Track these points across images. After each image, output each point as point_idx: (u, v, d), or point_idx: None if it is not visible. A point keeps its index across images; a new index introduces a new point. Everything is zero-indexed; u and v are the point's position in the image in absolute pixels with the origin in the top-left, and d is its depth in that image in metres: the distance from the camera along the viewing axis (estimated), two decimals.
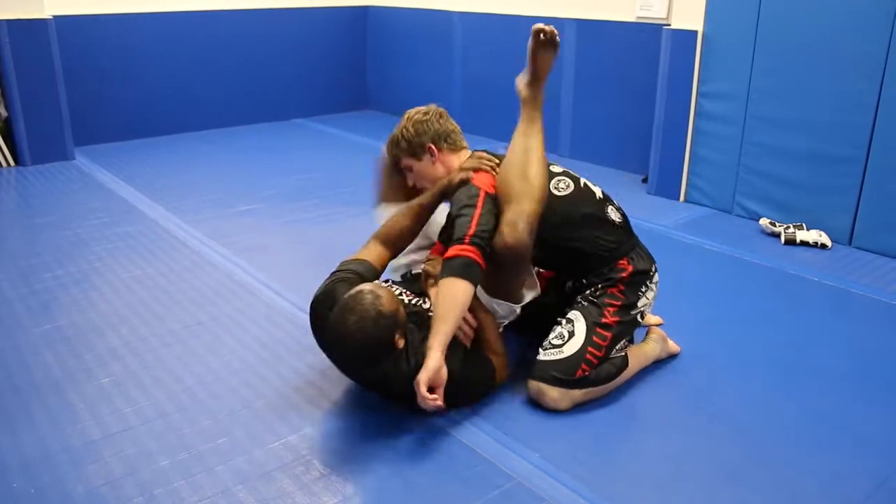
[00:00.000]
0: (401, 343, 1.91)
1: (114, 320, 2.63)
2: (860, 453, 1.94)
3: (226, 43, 5.63)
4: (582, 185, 2.27)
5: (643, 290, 2.21)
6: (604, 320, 2.12)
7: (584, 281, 2.21)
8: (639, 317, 2.22)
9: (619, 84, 4.57)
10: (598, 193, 2.28)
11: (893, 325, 2.66)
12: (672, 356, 2.41)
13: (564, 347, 2.09)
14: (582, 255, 2.18)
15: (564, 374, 2.06)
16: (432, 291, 2.14)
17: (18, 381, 2.23)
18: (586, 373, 2.08)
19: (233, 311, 2.70)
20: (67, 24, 4.79)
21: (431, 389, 1.88)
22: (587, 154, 4.85)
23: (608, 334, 2.12)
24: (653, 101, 4.09)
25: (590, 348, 2.09)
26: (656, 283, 2.28)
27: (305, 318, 2.63)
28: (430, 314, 2.03)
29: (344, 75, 6.39)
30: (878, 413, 2.12)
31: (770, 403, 2.16)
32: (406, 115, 2.33)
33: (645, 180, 4.31)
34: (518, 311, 2.20)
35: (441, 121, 2.31)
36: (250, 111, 5.89)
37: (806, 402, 2.17)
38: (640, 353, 2.28)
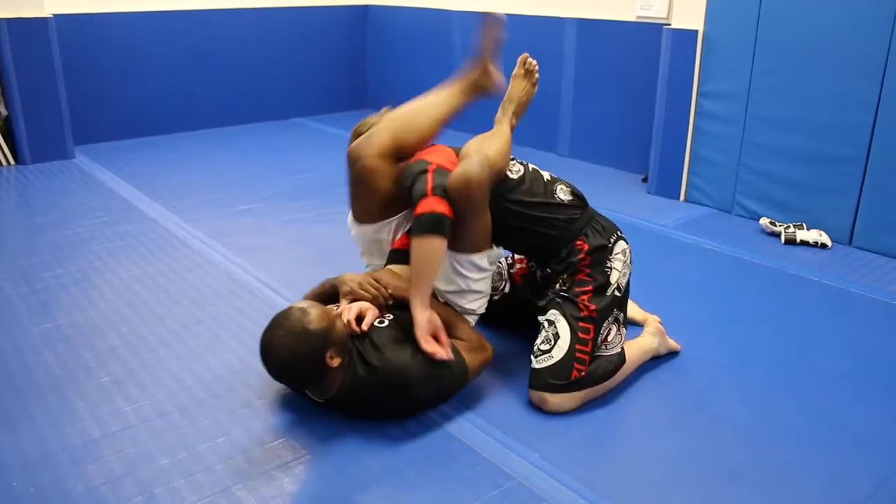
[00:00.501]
0: (335, 362, 1.86)
1: (114, 319, 2.63)
2: (860, 453, 1.94)
3: (226, 42, 5.63)
4: (530, 168, 2.27)
5: (608, 265, 2.18)
6: (582, 313, 2.11)
7: (549, 270, 2.22)
8: (616, 292, 2.17)
9: (619, 84, 4.57)
10: (546, 176, 2.28)
11: (893, 325, 2.66)
12: (673, 353, 2.41)
13: (553, 351, 2.08)
14: (539, 237, 2.18)
15: (560, 378, 2.05)
16: (344, 306, 2.04)
17: (18, 380, 2.23)
18: (581, 372, 2.07)
19: (232, 310, 2.70)
20: (67, 23, 4.79)
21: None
22: (587, 154, 4.85)
23: (590, 326, 2.11)
24: (653, 101, 4.09)
25: (577, 346, 2.07)
26: (623, 253, 2.23)
27: None
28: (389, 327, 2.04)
29: (344, 74, 6.39)
30: (878, 413, 2.12)
31: (770, 403, 2.16)
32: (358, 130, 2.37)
33: (645, 180, 4.31)
34: (488, 279, 2.19)
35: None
36: (250, 110, 5.89)
37: (806, 401, 2.17)
38: (637, 349, 2.28)
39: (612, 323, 2.17)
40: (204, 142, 5.33)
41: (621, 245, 2.24)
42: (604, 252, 2.18)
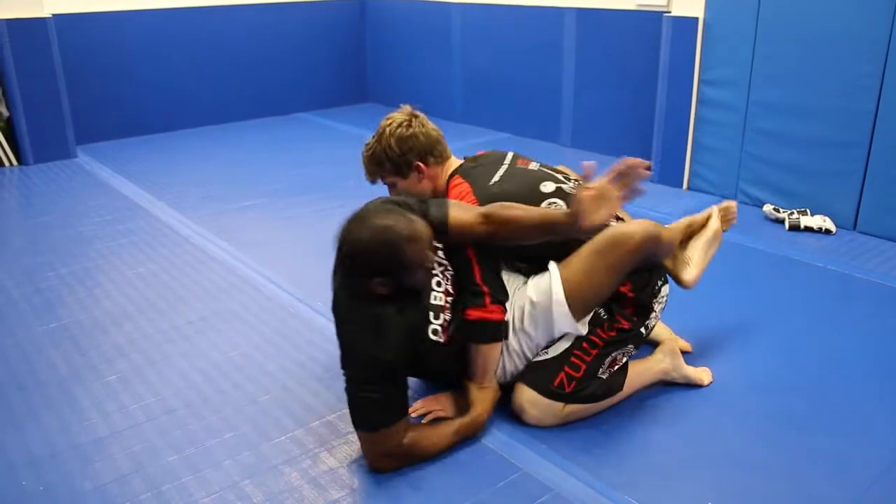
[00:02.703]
0: (380, 289, 1.75)
1: (118, 317, 2.63)
2: (865, 438, 1.93)
3: (226, 39, 5.62)
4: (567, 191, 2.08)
5: (652, 313, 2.04)
6: (600, 332, 1.97)
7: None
8: (643, 330, 2.04)
9: (620, 73, 4.55)
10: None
11: None
12: (691, 384, 2.17)
13: (550, 349, 1.96)
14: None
15: (543, 378, 1.93)
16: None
17: (25, 379, 2.24)
18: (570, 384, 1.92)
19: (236, 306, 2.70)
20: (67, 23, 4.78)
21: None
22: (589, 143, 4.83)
23: (599, 342, 1.96)
24: (654, 89, 4.07)
25: (575, 351, 1.94)
26: (665, 298, 2.09)
27: (309, 313, 2.64)
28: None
29: (344, 69, 6.38)
30: (883, 398, 2.11)
31: (775, 389, 2.16)
32: (385, 129, 2.13)
33: (648, 168, 4.29)
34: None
35: (425, 132, 2.14)
36: (251, 106, 5.89)
37: (811, 387, 2.17)
38: (640, 369, 2.10)
39: (624, 355, 2.02)
40: (205, 138, 5.33)
41: (666, 289, 2.10)
42: (648, 296, 2.03)
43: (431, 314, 1.89)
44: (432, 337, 1.88)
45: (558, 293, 1.91)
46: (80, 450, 1.90)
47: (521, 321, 1.97)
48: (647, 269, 2.03)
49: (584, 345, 1.95)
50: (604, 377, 1.98)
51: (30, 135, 4.53)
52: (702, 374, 2.19)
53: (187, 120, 5.58)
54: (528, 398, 1.95)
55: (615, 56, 4.55)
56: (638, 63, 4.39)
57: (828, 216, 3.43)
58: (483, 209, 1.90)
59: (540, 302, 1.94)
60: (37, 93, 4.48)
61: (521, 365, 2.00)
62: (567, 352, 1.94)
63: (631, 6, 4.37)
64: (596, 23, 4.60)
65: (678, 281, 2.21)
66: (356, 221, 1.79)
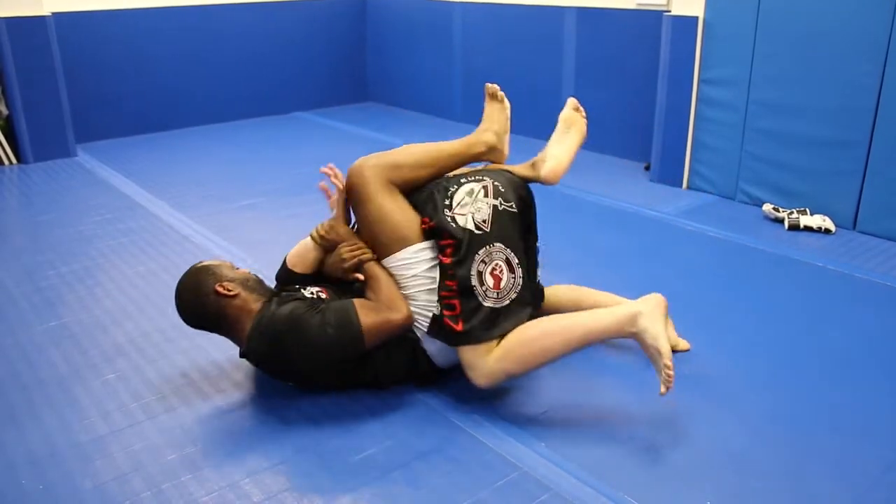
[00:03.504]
0: (228, 288, 2.03)
1: (118, 316, 2.63)
2: (866, 438, 1.93)
3: (225, 37, 5.62)
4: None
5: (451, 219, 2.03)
6: (442, 262, 2.00)
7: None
8: (475, 228, 1.99)
9: (619, 72, 4.55)
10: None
11: None
12: (677, 350, 2.25)
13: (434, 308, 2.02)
14: None
15: (442, 333, 1.99)
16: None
17: (25, 378, 2.24)
18: (457, 324, 1.95)
19: None
20: (66, 21, 4.78)
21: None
22: (588, 142, 4.72)
23: (450, 271, 1.97)
24: (654, 89, 4.07)
25: (442, 293, 1.98)
26: (470, 193, 2.05)
27: None
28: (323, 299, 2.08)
29: (343, 68, 6.38)
30: (883, 397, 2.11)
31: (775, 389, 2.16)
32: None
33: (647, 168, 4.29)
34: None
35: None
36: (250, 105, 5.89)
37: (811, 387, 2.17)
38: (600, 314, 1.99)
39: (488, 263, 1.98)
40: (205, 137, 5.33)
41: (463, 191, 2.06)
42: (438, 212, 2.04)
43: (305, 292, 2.10)
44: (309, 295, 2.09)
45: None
46: (80, 448, 1.91)
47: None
48: (429, 192, 2.10)
49: (447, 282, 1.98)
50: (493, 304, 1.97)
51: (30, 133, 4.53)
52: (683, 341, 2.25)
53: (187, 119, 5.58)
54: (463, 365, 2.01)
55: (615, 55, 4.55)
56: (638, 62, 4.39)
57: (827, 216, 3.43)
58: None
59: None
60: (36, 91, 4.48)
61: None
62: (439, 300, 2.00)
63: (631, 5, 4.37)
64: (596, 22, 4.60)
65: (539, 180, 2.21)
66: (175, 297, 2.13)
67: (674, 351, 2.27)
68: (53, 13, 4.53)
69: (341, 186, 2.19)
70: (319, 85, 6.25)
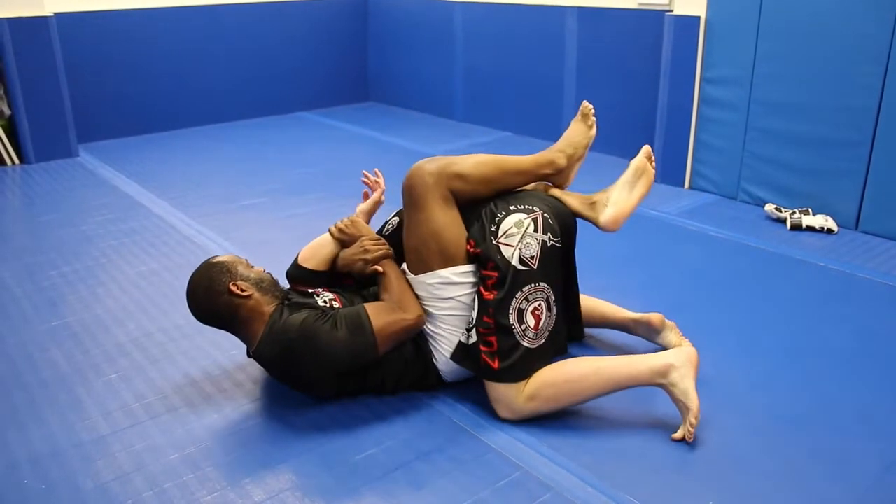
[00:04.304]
0: (241, 289, 2.00)
1: (120, 316, 2.64)
2: (867, 437, 1.93)
3: (226, 37, 5.62)
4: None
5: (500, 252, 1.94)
6: (484, 297, 1.94)
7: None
8: (519, 264, 1.92)
9: (621, 71, 4.55)
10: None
11: None
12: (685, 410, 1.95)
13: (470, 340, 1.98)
14: None
15: (476, 367, 1.96)
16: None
17: (27, 377, 2.24)
18: (493, 361, 1.91)
19: None
20: (68, 21, 4.79)
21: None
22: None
23: (490, 308, 1.91)
24: (656, 88, 4.07)
25: (480, 329, 1.93)
26: (518, 225, 1.95)
27: None
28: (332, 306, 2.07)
29: (345, 67, 6.38)
30: (884, 396, 2.11)
31: (777, 389, 2.16)
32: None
33: None
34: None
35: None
36: (252, 105, 5.89)
37: (812, 386, 2.17)
38: (632, 359, 1.99)
39: (530, 302, 1.92)
40: (207, 137, 5.33)
41: (511, 220, 1.97)
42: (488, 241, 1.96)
43: (318, 300, 2.08)
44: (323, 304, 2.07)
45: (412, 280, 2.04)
46: (82, 448, 1.91)
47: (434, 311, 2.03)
48: (477, 213, 2.02)
49: (485, 318, 1.93)
50: (529, 345, 1.93)
51: (32, 133, 4.54)
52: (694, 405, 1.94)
53: (189, 118, 5.59)
54: (491, 397, 1.99)
55: (617, 55, 4.55)
56: (640, 62, 4.39)
57: (830, 215, 3.42)
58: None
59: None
60: (39, 91, 4.48)
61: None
62: (477, 335, 1.95)
63: (633, 5, 4.36)
64: (597, 21, 4.60)
65: (596, 223, 2.17)
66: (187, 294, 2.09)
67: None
68: (55, 13, 4.54)
69: (381, 193, 2.25)
70: (321, 85, 6.26)
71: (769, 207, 3.56)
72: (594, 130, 2.28)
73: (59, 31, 4.53)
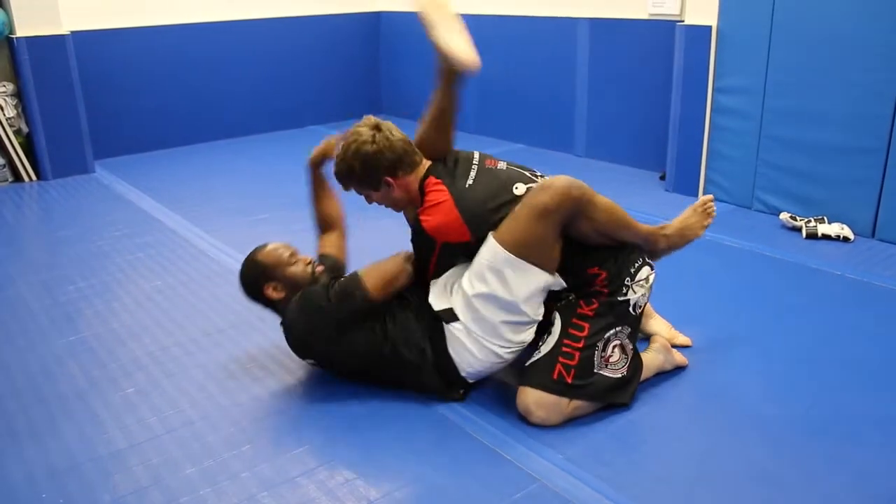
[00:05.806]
0: (276, 294, 2.19)
1: (136, 330, 2.65)
2: (887, 448, 1.91)
3: (239, 53, 5.67)
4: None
5: (625, 292, 2.05)
6: (578, 311, 2.03)
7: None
8: (628, 307, 2.05)
9: (633, 82, 4.55)
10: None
11: None
12: (679, 368, 2.29)
13: (542, 346, 2.04)
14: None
15: (542, 371, 1.99)
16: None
17: (45, 392, 2.26)
18: (568, 374, 1.98)
19: (253, 318, 2.71)
20: (84, 40, 4.84)
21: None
22: (603, 153, 4.83)
23: (584, 324, 2.01)
24: (668, 98, 4.07)
25: (565, 340, 2.00)
26: (647, 280, 2.11)
27: None
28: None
29: (358, 82, 6.42)
30: None
31: (795, 399, 2.14)
32: (349, 148, 2.11)
33: (663, 177, 4.28)
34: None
35: (390, 145, 2.09)
36: (266, 120, 5.93)
37: (831, 397, 2.14)
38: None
39: (616, 338, 2.04)
40: (221, 152, 5.37)
41: (646, 272, 2.12)
42: (621, 279, 2.06)
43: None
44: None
45: (492, 245, 1.98)
46: (100, 462, 1.92)
47: (468, 308, 2.02)
48: (615, 250, 2.07)
49: (571, 331, 2.01)
50: (608, 374, 2.03)
51: (48, 150, 4.59)
52: (683, 359, 2.30)
53: (203, 134, 5.63)
54: (534, 399, 1.99)
55: (629, 65, 4.55)
56: (651, 72, 4.38)
57: (845, 224, 3.40)
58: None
59: (478, 266, 2.01)
60: (55, 109, 4.54)
61: (499, 350, 2.05)
62: (558, 343, 2.01)
63: (644, 15, 4.37)
64: (609, 32, 4.60)
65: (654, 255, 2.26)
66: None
67: (673, 346, 2.35)
68: (72, 31, 4.59)
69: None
70: (334, 99, 6.29)
71: (784, 216, 3.54)
72: (703, 232, 2.29)
73: (76, 49, 4.58)
